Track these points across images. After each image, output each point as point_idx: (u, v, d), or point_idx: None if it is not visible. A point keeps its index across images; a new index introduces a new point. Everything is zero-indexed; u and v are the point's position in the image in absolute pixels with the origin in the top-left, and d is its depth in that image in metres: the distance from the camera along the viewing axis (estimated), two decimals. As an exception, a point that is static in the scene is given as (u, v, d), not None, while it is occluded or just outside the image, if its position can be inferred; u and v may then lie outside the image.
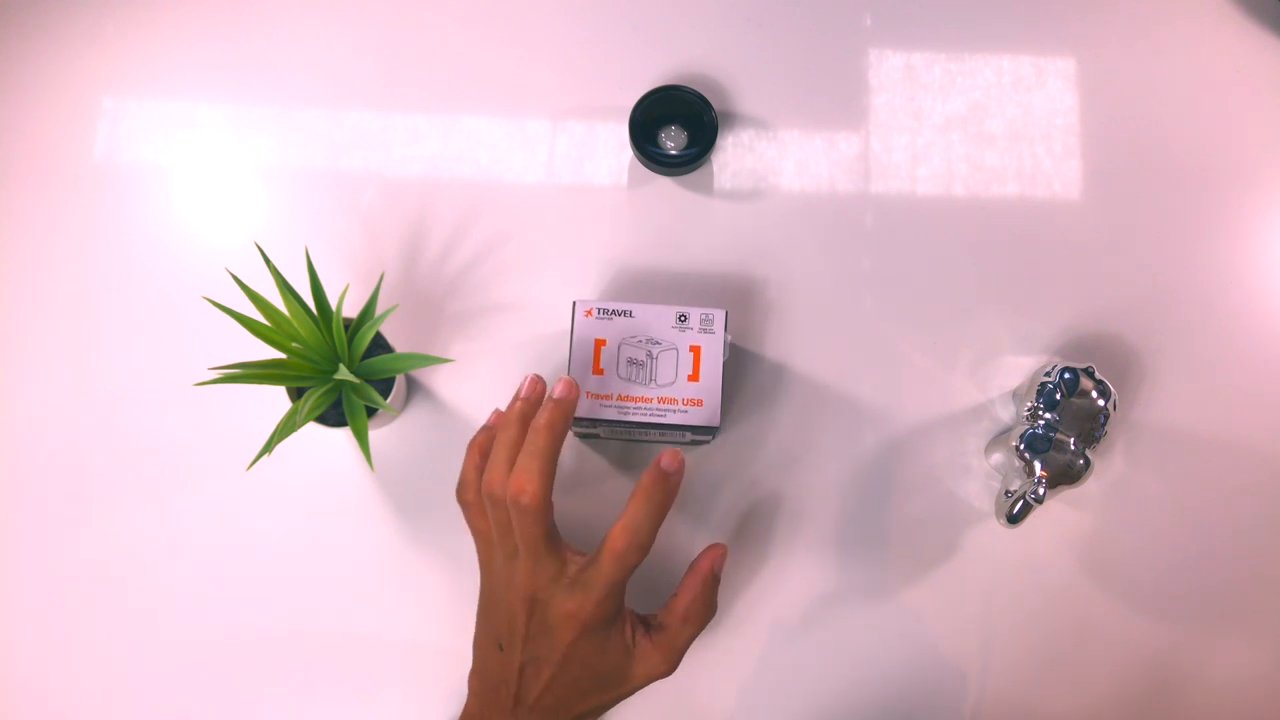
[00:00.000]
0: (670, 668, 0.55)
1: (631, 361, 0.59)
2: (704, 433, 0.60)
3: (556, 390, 0.55)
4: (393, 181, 0.69)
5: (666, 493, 0.53)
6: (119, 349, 0.67)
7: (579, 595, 0.52)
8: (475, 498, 0.57)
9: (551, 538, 0.53)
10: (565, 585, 0.53)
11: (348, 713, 0.63)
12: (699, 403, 0.59)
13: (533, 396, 0.57)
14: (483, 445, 0.58)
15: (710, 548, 0.57)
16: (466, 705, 0.57)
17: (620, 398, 0.58)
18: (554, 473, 0.53)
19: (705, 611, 0.56)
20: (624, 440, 0.65)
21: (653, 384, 0.59)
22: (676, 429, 0.59)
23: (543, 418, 0.54)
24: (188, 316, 0.66)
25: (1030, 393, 0.63)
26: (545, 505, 0.53)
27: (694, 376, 0.59)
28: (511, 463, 0.54)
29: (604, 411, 0.58)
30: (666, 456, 0.53)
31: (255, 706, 0.63)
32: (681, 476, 0.53)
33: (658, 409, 0.58)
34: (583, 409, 0.58)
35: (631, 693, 0.56)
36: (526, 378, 0.57)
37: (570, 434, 0.65)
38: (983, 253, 0.68)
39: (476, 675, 0.57)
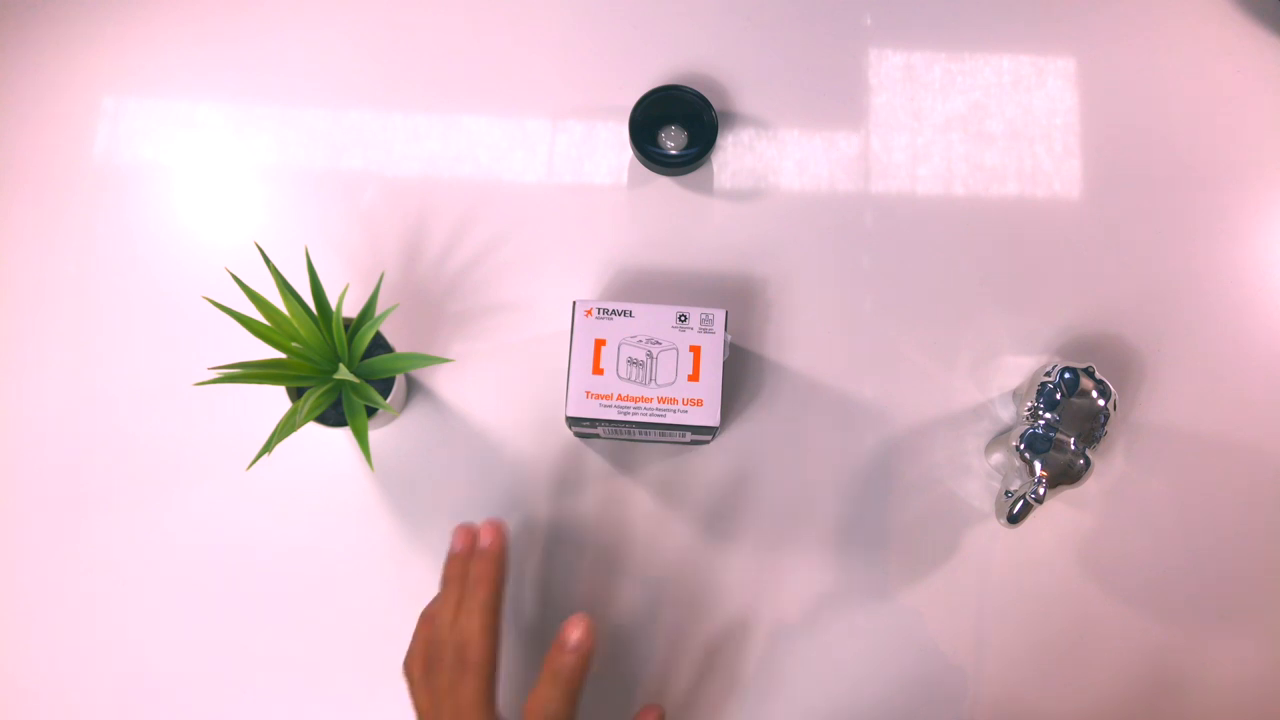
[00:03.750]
0: None
1: (631, 361, 0.59)
2: (704, 432, 0.60)
3: (483, 539, 0.53)
4: (393, 181, 0.69)
5: (575, 669, 0.50)
6: (119, 349, 0.67)
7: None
8: (422, 673, 0.54)
9: (487, 707, 0.51)
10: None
11: (347, 712, 0.63)
12: (699, 402, 0.59)
13: (465, 551, 0.55)
14: (434, 615, 0.55)
15: (648, 709, 0.55)
16: None
17: (620, 398, 0.58)
18: (498, 626, 0.51)
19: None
20: (624, 440, 0.65)
21: (653, 384, 0.59)
22: (676, 429, 0.59)
23: (474, 570, 0.52)
24: (188, 316, 0.66)
25: (1030, 393, 0.63)
26: (488, 665, 0.51)
27: (694, 376, 0.59)
28: (456, 622, 0.52)
29: (604, 412, 0.58)
30: (574, 631, 0.51)
31: (255, 705, 0.63)
32: (590, 647, 0.50)
33: (658, 409, 0.58)
34: (583, 409, 0.58)
35: None
36: (455, 530, 0.56)
37: (570, 434, 0.65)
38: (983, 253, 0.68)
39: None
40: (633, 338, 0.59)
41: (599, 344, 0.59)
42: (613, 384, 0.59)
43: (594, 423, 0.59)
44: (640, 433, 0.61)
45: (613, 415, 0.58)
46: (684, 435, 0.61)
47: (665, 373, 0.59)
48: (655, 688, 0.63)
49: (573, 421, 0.60)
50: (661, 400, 0.58)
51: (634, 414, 0.58)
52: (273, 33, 0.71)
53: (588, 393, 0.58)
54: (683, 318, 0.59)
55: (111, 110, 0.70)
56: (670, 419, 0.58)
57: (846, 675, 0.63)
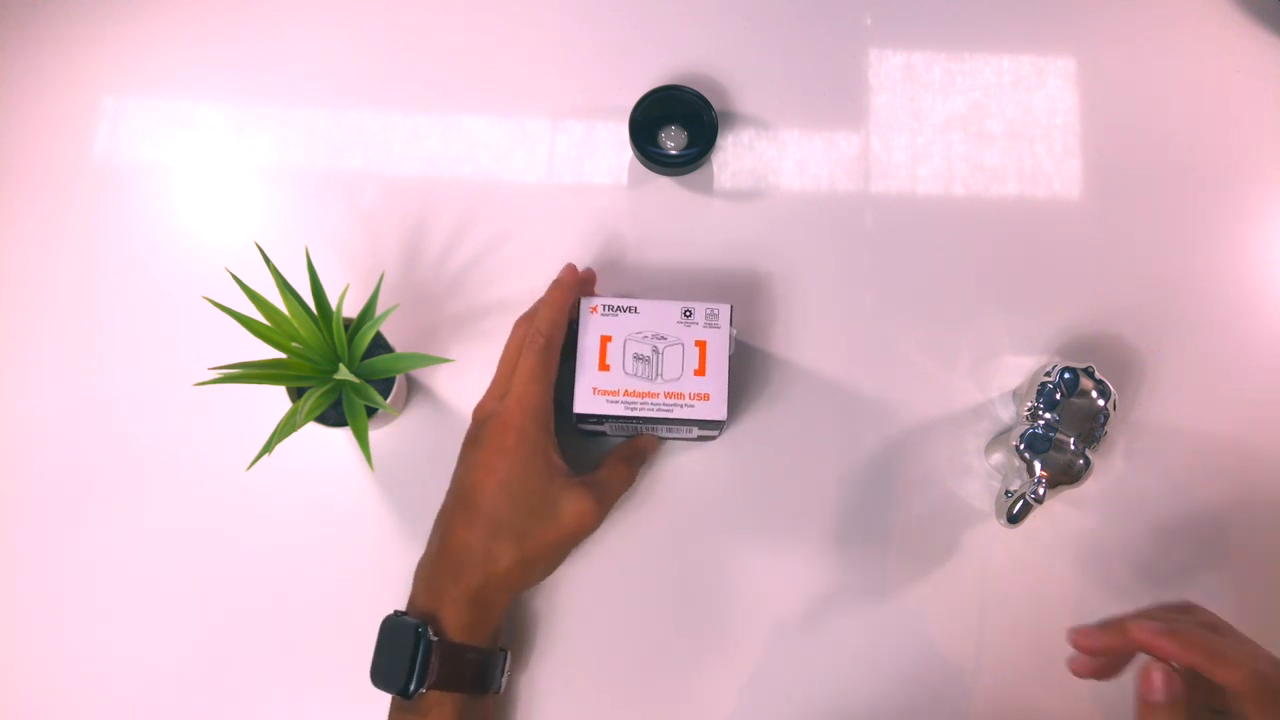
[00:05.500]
0: (598, 509, 0.58)
1: (638, 357, 0.59)
2: (711, 427, 0.60)
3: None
4: (393, 181, 0.69)
5: (565, 289, 0.60)
6: (119, 349, 0.67)
7: (507, 399, 0.57)
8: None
9: (525, 369, 0.58)
10: (501, 397, 0.58)
11: (346, 713, 0.63)
12: (706, 397, 0.59)
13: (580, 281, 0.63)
14: None
15: (648, 437, 0.63)
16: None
17: (627, 393, 0.58)
18: (561, 315, 0.59)
19: (628, 475, 0.62)
20: (631, 437, 0.65)
21: (659, 379, 0.59)
22: (684, 423, 0.59)
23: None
24: (188, 316, 0.66)
25: (1030, 393, 0.63)
26: (548, 328, 0.58)
27: (700, 371, 0.59)
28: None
29: (611, 407, 0.58)
30: (565, 272, 0.61)
31: (254, 705, 0.63)
32: (577, 277, 0.61)
33: (664, 404, 0.58)
34: (590, 405, 0.58)
35: (560, 540, 0.57)
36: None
37: (575, 431, 0.65)
38: (983, 253, 0.68)
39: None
40: (638, 333, 0.59)
41: (605, 340, 0.59)
42: (619, 380, 0.59)
43: (601, 419, 0.59)
44: (648, 429, 0.61)
45: (620, 411, 0.58)
46: (691, 431, 0.61)
47: (671, 368, 0.59)
48: (654, 687, 0.63)
49: (579, 418, 0.60)
50: (668, 395, 0.58)
51: (641, 409, 0.58)
52: (273, 33, 0.71)
53: (594, 389, 0.58)
54: (688, 313, 0.59)
55: (111, 110, 0.70)
56: (677, 414, 0.58)
57: (846, 674, 0.63)
